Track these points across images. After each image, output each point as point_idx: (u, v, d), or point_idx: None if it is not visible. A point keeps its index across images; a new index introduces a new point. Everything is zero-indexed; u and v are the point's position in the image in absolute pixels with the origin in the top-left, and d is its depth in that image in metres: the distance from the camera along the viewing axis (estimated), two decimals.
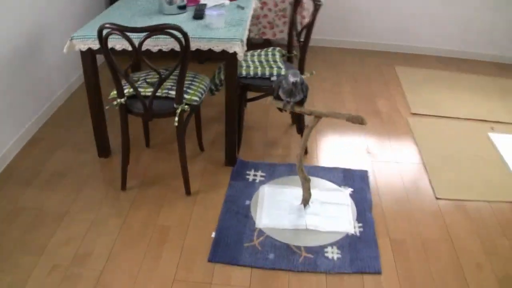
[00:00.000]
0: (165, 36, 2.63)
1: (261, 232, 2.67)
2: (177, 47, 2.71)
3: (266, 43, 5.06)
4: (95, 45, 2.77)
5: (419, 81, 4.64)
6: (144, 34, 2.38)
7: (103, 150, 3.24)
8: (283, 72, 3.13)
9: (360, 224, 2.75)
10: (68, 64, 4.01)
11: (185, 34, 2.39)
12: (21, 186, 2.97)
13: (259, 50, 3.48)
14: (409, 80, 4.65)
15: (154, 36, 2.46)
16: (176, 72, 2.59)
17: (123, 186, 2.95)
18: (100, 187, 2.99)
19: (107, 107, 2.75)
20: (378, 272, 2.44)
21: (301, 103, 2.62)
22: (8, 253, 2.47)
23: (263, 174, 3.16)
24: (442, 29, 5.23)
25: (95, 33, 2.72)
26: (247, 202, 2.89)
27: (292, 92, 2.50)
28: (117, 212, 2.78)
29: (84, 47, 2.78)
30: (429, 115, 4.02)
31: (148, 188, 2.99)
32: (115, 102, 2.71)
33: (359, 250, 2.56)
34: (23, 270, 2.38)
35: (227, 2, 3.30)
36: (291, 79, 2.44)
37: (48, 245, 2.53)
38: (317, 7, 3.02)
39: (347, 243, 2.61)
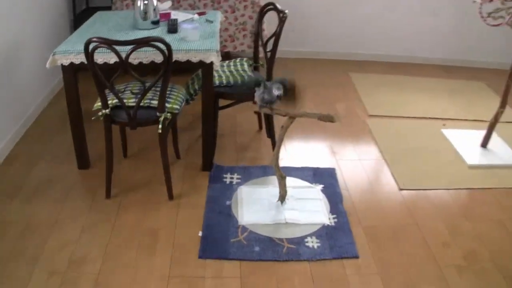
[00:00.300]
0: (146, 49, 2.80)
1: (244, 228, 2.85)
2: (157, 59, 2.88)
3: (226, 56, 5.26)
4: (77, 60, 2.88)
5: (373, 86, 4.95)
6: (130, 46, 2.53)
7: (83, 162, 3.33)
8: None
9: (334, 216, 2.98)
10: (40, 80, 4.09)
11: (168, 46, 2.57)
12: (5, 200, 3.03)
13: (227, 61, 3.68)
14: (364, 85, 4.95)
15: (137, 50, 2.62)
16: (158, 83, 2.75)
17: (108, 194, 3.06)
18: (85, 197, 3.09)
19: (93, 118, 2.87)
20: (355, 257, 2.67)
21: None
22: (2, 263, 2.53)
23: (238, 176, 3.35)
24: (390, 36, 5.60)
25: (77, 48, 2.87)
26: (228, 202, 3.07)
27: (272, 102, 2.73)
28: (105, 218, 2.89)
29: (66, 62, 2.89)
30: (386, 116, 4.32)
31: (132, 195, 3.12)
32: (100, 113, 2.84)
33: (336, 238, 2.79)
34: (20, 278, 2.44)
35: (196, 17, 3.48)
36: (276, 92, 2.67)
37: (42, 252, 2.62)
38: (283, 18, 3.25)
39: (324, 233, 2.83)
